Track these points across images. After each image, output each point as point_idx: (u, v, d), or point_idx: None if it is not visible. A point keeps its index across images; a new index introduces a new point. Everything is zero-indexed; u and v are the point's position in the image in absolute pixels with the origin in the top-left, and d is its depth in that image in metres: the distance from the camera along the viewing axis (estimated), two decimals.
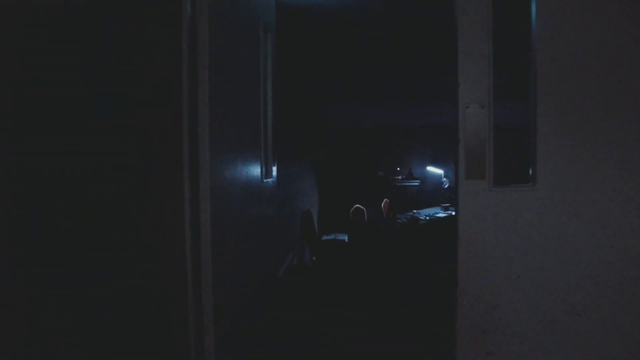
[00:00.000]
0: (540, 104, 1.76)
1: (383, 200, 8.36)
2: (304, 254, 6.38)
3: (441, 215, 7.37)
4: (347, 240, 7.63)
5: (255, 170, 2.42)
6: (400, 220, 6.71)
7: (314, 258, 6.41)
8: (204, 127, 1.73)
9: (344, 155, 9.58)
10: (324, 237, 8.17)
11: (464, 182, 1.78)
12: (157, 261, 1.62)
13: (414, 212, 7.46)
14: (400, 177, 9.42)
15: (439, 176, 9.44)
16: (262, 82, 2.73)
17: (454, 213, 6.70)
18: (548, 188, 1.74)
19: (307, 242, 6.41)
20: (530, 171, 1.80)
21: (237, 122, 2.14)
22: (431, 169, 9.16)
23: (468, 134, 1.73)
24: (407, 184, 9.35)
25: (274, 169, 3.01)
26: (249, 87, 2.44)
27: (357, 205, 7.57)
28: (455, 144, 1.79)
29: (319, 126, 8.99)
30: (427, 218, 7.06)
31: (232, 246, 1.99)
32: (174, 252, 1.62)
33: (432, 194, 9.72)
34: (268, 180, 2.78)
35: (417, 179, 9.40)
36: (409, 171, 9.59)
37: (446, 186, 9.48)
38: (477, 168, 1.74)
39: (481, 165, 1.74)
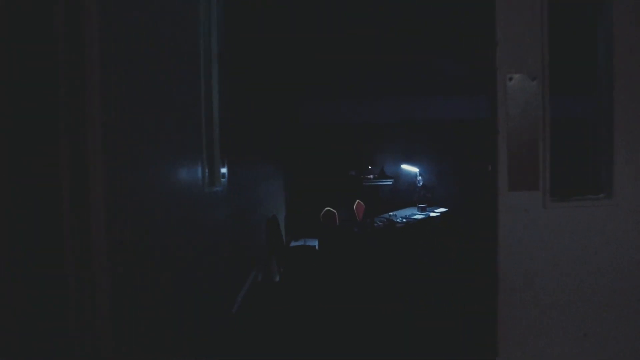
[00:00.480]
0: (618, 93, 1.15)
1: (355, 201, 7.75)
2: (272, 266, 5.71)
3: (418, 217, 6.82)
4: (317, 246, 7.01)
5: (193, 176, 1.75)
6: (375, 224, 6.13)
7: (281, 269, 5.75)
8: (93, 123, 1.06)
9: (313, 155, 8.94)
10: (293, 244, 7.51)
11: (507, 196, 1.15)
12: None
13: (389, 215, 6.89)
14: (372, 176, 8.84)
15: (414, 174, 8.93)
16: (202, 66, 2.04)
17: (431, 214, 5.95)
18: (630, 200, 1.14)
19: (273, 252, 5.74)
20: (601, 178, 1.20)
21: (157, 120, 1.46)
22: (406, 166, 8.63)
23: (513, 121, 1.10)
24: (380, 183, 8.79)
25: (224, 172, 2.33)
26: (180, 72, 1.75)
27: (328, 209, 6.94)
28: (492, 137, 1.17)
29: (287, 125, 8.32)
30: (404, 220, 6.49)
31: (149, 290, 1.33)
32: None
33: (406, 193, 9.20)
34: (214, 188, 2.10)
35: (391, 178, 8.85)
36: (381, 169, 9.03)
37: (420, 184, 8.97)
38: (526, 174, 1.12)
39: (532, 169, 1.12)
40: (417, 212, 7.22)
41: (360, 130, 9.29)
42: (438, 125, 9.24)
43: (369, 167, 9.17)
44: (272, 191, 6.80)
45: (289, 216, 7.95)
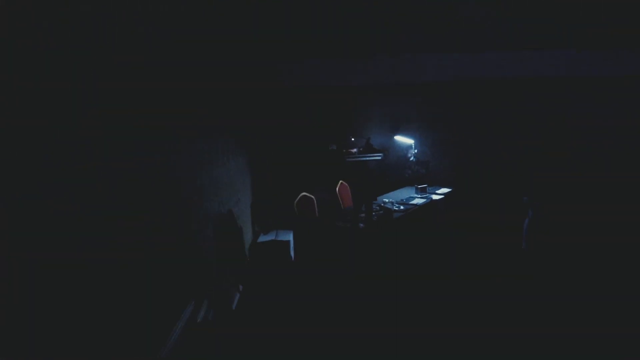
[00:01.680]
0: None
1: (338, 183, 6.26)
2: (226, 286, 4.20)
3: (418, 201, 5.38)
4: (292, 241, 5.53)
5: None
6: (365, 214, 4.67)
7: (240, 289, 4.26)
8: None
9: (285, 126, 7.36)
10: (262, 238, 6.01)
11: None
12: None
13: (384, 201, 5.42)
14: (355, 150, 7.34)
15: (406, 147, 7.46)
16: None
17: (434, 197, 4.36)
18: None
19: (227, 265, 4.23)
20: None
21: None
22: (399, 138, 7.13)
23: None
24: (366, 158, 7.29)
25: None
26: None
27: (304, 194, 5.43)
28: None
29: (253, 90, 6.68)
30: (402, 208, 5.04)
31: None
32: None
33: (395, 169, 7.74)
34: None
35: (379, 151, 7.36)
36: (366, 141, 7.52)
37: (412, 159, 7.52)
38: None
39: None
40: (416, 195, 5.78)
41: (342, 96, 7.74)
42: (433, 87, 7.74)
43: (352, 139, 7.66)
44: (231, 174, 5.26)
45: (256, 204, 6.42)
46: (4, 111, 1.39)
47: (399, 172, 7.70)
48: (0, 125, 1.38)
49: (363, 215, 4.63)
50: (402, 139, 7.07)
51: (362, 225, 4.31)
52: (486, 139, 7.35)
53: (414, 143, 7.26)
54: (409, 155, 7.55)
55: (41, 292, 1.54)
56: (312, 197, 5.57)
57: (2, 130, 1.39)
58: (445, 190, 6.06)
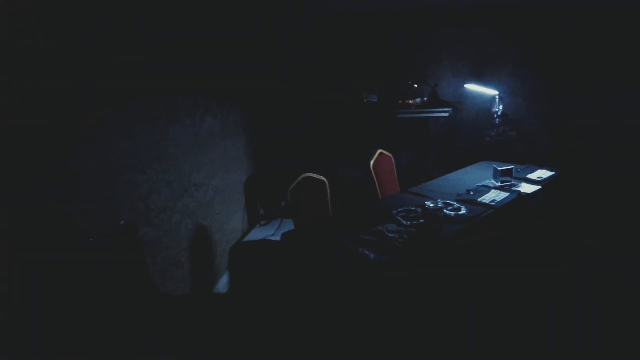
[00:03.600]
0: None
1: (375, 154, 4.16)
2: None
3: (496, 196, 3.17)
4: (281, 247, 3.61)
5: None
6: (389, 228, 2.59)
7: None
8: None
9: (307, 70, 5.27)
10: (251, 237, 4.18)
11: None
12: None
13: (467, 194, 3.23)
14: (412, 102, 5.12)
15: (488, 99, 5.10)
16: None
17: (523, 189, 3.20)
18: None
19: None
20: None
21: None
22: (474, 87, 4.77)
23: None
24: (430, 114, 5.06)
25: None
26: None
27: (307, 176, 3.44)
28: None
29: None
30: (461, 212, 2.89)
31: None
32: None
33: (472, 131, 5.41)
34: None
35: (448, 105, 5.08)
36: (432, 90, 5.24)
37: (498, 114, 5.15)
38: None
39: None
40: (493, 181, 3.55)
41: (393, 21, 5.43)
42: (529, 14, 5.14)
43: (414, 85, 5.40)
44: (206, 138, 3.42)
45: (254, 181, 4.53)
46: None
47: (476, 136, 5.37)
48: None
49: (380, 229, 2.56)
50: (479, 89, 4.69)
51: (372, 255, 2.27)
52: (625, 92, 4.74)
53: (499, 95, 4.86)
54: (494, 110, 5.19)
55: None
56: (323, 179, 3.56)
57: None
58: (543, 173, 3.74)
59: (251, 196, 4.44)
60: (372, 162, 4.05)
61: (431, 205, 2.61)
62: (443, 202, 3.03)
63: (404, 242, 2.42)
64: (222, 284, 3.74)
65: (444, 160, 5.57)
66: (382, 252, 2.33)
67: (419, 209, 2.87)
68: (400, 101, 5.21)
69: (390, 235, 2.52)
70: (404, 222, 2.71)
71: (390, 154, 4.33)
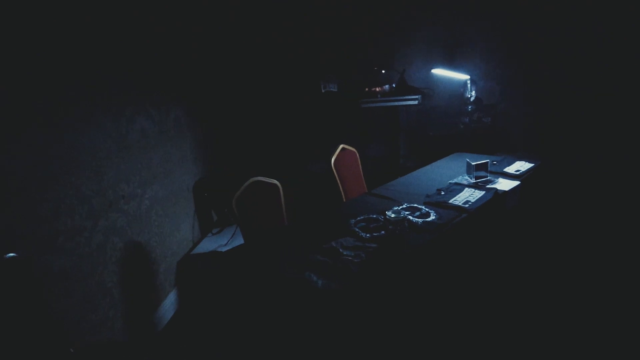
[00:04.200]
0: None
1: (337, 150, 3.75)
2: None
3: (470, 195, 2.79)
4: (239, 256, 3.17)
5: None
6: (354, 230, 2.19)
7: None
8: None
9: (255, 53, 4.81)
10: (196, 250, 3.75)
11: None
12: None
13: (438, 195, 2.82)
14: (380, 90, 4.71)
15: (459, 84, 4.73)
16: None
17: (500, 186, 2.84)
18: None
19: None
20: None
21: None
22: (442, 72, 4.38)
23: None
24: (397, 102, 4.66)
25: None
26: None
27: (256, 180, 3.00)
28: None
29: None
30: (431, 217, 2.50)
31: None
32: None
33: (447, 120, 5.03)
34: None
35: (418, 92, 4.69)
36: (400, 77, 4.84)
37: (471, 98, 4.79)
38: None
39: None
40: (467, 178, 3.18)
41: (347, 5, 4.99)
42: None
43: (381, 71, 4.98)
44: (135, 143, 2.96)
45: (203, 184, 4.07)
46: None
47: (450, 124, 5.00)
48: None
49: (334, 246, 2.15)
50: (450, 74, 4.31)
51: (320, 283, 1.86)
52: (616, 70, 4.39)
53: (471, 79, 4.49)
54: (467, 96, 4.81)
55: None
56: (276, 183, 3.13)
57: None
58: (522, 166, 3.37)
59: (202, 202, 3.99)
60: (333, 160, 3.64)
61: (392, 215, 2.21)
62: (409, 207, 2.63)
63: (360, 262, 2.02)
64: (168, 304, 3.30)
65: (415, 152, 5.19)
66: (333, 277, 1.93)
67: (381, 217, 2.47)
68: (366, 89, 4.80)
69: (345, 253, 2.11)
70: (362, 234, 2.30)
71: (354, 149, 3.92)
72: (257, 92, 4.81)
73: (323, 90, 4.41)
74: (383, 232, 2.30)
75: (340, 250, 2.15)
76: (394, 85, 4.78)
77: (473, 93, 4.76)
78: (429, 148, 4.86)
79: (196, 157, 3.99)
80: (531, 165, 3.35)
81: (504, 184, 2.98)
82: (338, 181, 3.60)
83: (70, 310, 2.28)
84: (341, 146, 3.79)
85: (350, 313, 1.82)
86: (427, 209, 2.59)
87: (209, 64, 4.34)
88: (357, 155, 3.94)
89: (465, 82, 4.42)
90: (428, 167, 3.65)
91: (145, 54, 3.20)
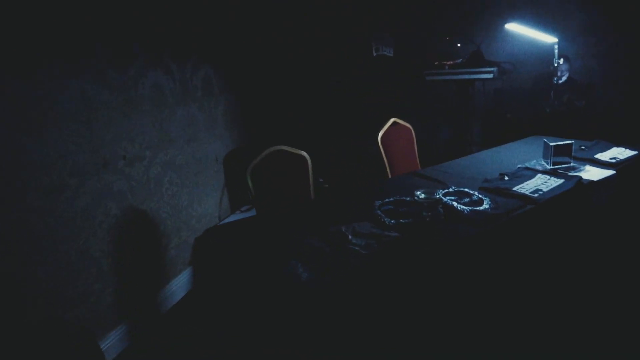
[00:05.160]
0: None
1: (387, 124, 3.18)
2: None
3: (541, 184, 2.12)
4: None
5: None
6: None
7: None
8: None
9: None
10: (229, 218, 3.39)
11: None
12: None
13: (500, 181, 2.20)
14: (448, 64, 4.04)
15: (547, 51, 3.92)
16: None
17: (586, 174, 2.26)
18: None
19: None
20: None
21: None
22: (517, 28, 3.58)
23: None
24: (469, 75, 3.97)
25: None
26: None
27: (279, 148, 2.54)
28: None
29: None
30: (483, 206, 1.88)
31: None
32: None
33: (530, 103, 4.26)
34: None
35: (493, 65, 3.96)
36: (477, 49, 4.13)
37: (563, 79, 4.01)
38: None
39: None
40: (542, 163, 2.49)
41: None
42: None
43: (448, 40, 4.31)
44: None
45: (234, 156, 3.67)
46: None
47: (533, 107, 4.22)
48: None
49: (343, 231, 1.62)
50: (529, 33, 3.53)
51: (304, 276, 1.35)
52: None
53: (562, 43, 3.70)
54: (558, 73, 4.02)
55: None
56: (303, 154, 2.64)
57: None
58: (620, 153, 2.60)
59: (233, 174, 3.60)
60: (380, 135, 3.08)
61: (422, 196, 1.64)
62: (457, 191, 2.03)
63: (368, 255, 1.48)
64: (180, 282, 2.95)
65: (489, 136, 4.46)
66: (327, 270, 1.41)
67: (423, 197, 1.88)
68: (436, 62, 4.14)
69: (354, 241, 1.58)
70: (386, 219, 1.75)
71: (409, 125, 3.33)
72: (303, 55, 4.32)
73: (375, 54, 3.82)
74: (412, 219, 1.73)
75: (350, 237, 1.62)
76: (462, 60, 4.08)
77: (562, 64, 3.95)
78: (506, 132, 4.12)
79: (231, 124, 3.60)
80: (634, 152, 2.57)
81: (593, 173, 2.26)
82: (385, 159, 3.04)
83: (44, 278, 1.96)
84: (392, 120, 3.22)
85: (341, 319, 1.29)
86: (480, 196, 1.97)
87: (247, 22, 3.92)
88: (413, 132, 3.35)
89: (554, 47, 3.62)
90: (496, 149, 2.98)
91: None
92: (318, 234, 1.66)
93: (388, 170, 3.04)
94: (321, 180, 3.92)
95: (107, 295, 2.36)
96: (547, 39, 3.41)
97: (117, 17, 2.41)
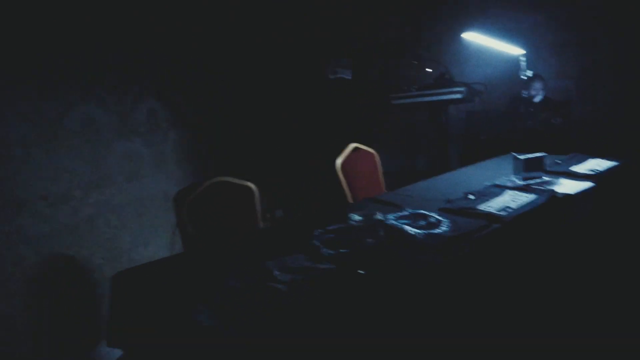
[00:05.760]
0: None
1: (346, 149, 2.94)
2: None
3: (510, 201, 1.86)
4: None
5: None
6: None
7: None
8: None
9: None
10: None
11: None
12: None
13: (464, 200, 1.92)
14: (415, 87, 3.86)
15: (514, 67, 3.77)
16: None
17: (560, 188, 2.08)
18: None
19: None
20: None
21: None
22: (475, 38, 3.39)
23: None
24: (437, 97, 3.77)
25: None
26: None
27: (223, 179, 2.28)
28: None
29: None
30: (441, 229, 1.61)
31: None
32: None
33: (504, 125, 4.08)
34: None
35: (462, 85, 3.77)
36: (445, 71, 3.96)
37: (539, 97, 3.85)
38: None
39: None
40: (513, 179, 2.24)
41: None
42: None
43: (417, 64, 4.15)
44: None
45: (186, 193, 3.40)
46: None
47: (508, 126, 4.04)
48: None
49: (267, 266, 1.34)
50: (490, 43, 3.36)
51: (205, 321, 1.06)
52: None
53: (525, 57, 3.55)
54: (531, 92, 3.86)
55: None
56: (249, 186, 2.38)
57: None
58: (598, 164, 2.36)
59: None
60: (340, 161, 2.83)
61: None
62: (412, 214, 1.76)
63: (288, 293, 1.19)
64: None
65: (466, 161, 4.24)
66: (234, 314, 1.12)
67: (390, 227, 1.60)
68: (385, 82, 3.95)
69: (278, 278, 1.30)
70: (323, 250, 1.47)
71: (372, 151, 3.09)
72: (259, 86, 4.11)
73: (331, 77, 3.61)
74: (350, 248, 1.46)
75: (276, 272, 1.33)
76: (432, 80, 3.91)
77: (539, 87, 3.79)
78: (480, 153, 3.90)
79: (183, 160, 3.35)
80: (613, 164, 2.34)
81: (568, 186, 2.02)
82: (346, 186, 2.78)
83: None
84: (353, 145, 2.98)
85: None
86: (438, 217, 1.70)
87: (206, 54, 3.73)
88: (376, 157, 3.11)
89: (518, 60, 3.43)
90: (463, 169, 2.74)
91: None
92: (242, 271, 1.38)
93: (349, 197, 2.78)
94: (279, 212, 3.65)
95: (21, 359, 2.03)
96: (513, 50, 3.24)
97: (36, 46, 2.19)
